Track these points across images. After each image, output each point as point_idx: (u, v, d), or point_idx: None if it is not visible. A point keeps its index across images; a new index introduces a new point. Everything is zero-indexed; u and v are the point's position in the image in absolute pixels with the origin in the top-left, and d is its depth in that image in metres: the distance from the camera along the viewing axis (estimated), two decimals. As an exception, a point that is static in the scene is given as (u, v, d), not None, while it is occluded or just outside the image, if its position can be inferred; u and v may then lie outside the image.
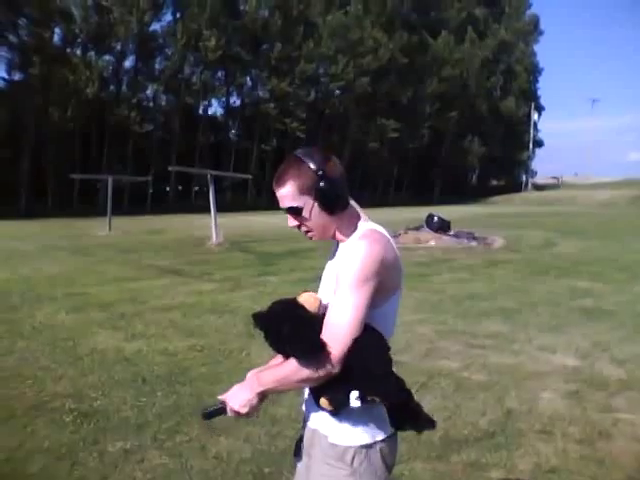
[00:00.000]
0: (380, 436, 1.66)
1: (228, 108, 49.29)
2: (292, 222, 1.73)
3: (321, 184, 1.64)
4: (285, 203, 1.70)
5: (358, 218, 1.74)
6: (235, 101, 49.50)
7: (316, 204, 1.66)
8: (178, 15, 43.07)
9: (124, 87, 42.48)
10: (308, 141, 47.61)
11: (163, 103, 44.60)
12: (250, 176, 32.46)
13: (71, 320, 7.00)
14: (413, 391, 4.55)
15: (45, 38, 35.85)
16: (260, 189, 46.71)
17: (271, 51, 44.78)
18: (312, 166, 1.65)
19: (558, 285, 9.73)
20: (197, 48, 40.95)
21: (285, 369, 1.59)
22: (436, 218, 17.34)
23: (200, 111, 46.99)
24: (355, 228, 1.72)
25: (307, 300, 1.65)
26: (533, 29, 73.10)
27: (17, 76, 37.30)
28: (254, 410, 1.67)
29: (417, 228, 17.71)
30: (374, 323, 1.61)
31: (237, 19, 43.02)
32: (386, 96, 50.93)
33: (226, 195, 42.39)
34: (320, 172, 1.64)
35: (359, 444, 1.64)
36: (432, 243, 15.87)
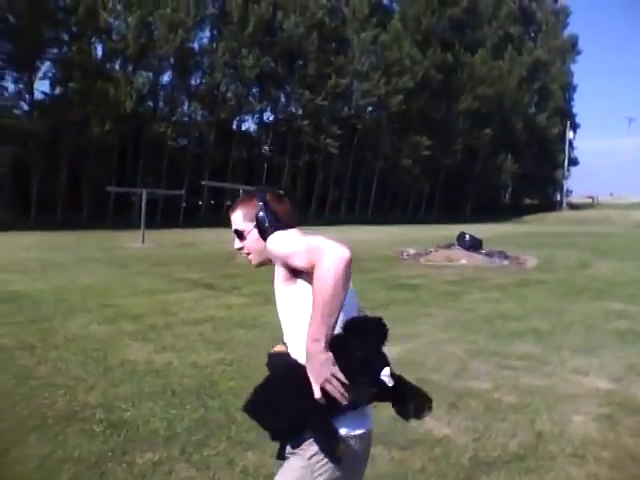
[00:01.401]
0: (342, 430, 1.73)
1: (262, 123, 49.79)
2: (237, 244, 2.04)
3: (260, 213, 1.90)
4: (233, 226, 2.02)
5: None
6: (269, 116, 50.06)
7: (254, 230, 1.93)
8: (215, 32, 43.85)
9: (161, 102, 43.25)
10: (341, 157, 47.75)
11: (198, 118, 45.27)
12: (281, 192, 32.61)
13: (103, 331, 7.11)
14: (442, 412, 4.53)
15: (87, 53, 36.78)
16: (291, 204, 46.86)
17: (306, 67, 45.22)
18: (257, 198, 1.94)
19: (592, 307, 9.54)
20: (234, 65, 41.52)
21: (317, 304, 1.60)
22: (467, 236, 17.21)
23: (234, 126, 47.56)
24: None
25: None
26: (571, 48, 72.54)
27: (57, 90, 38.32)
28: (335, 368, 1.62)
29: (448, 246, 17.60)
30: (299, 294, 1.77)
31: (274, 36, 43.58)
32: (419, 113, 50.89)
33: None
34: (261, 203, 1.91)
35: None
36: (463, 262, 15.73)
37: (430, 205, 58.68)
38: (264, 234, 1.88)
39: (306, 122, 45.05)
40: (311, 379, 1.63)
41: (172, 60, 40.65)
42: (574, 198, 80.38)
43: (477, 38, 59.58)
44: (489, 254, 16.76)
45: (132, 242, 21.17)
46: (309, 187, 48.24)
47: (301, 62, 46.02)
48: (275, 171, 47.16)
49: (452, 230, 21.58)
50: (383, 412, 4.49)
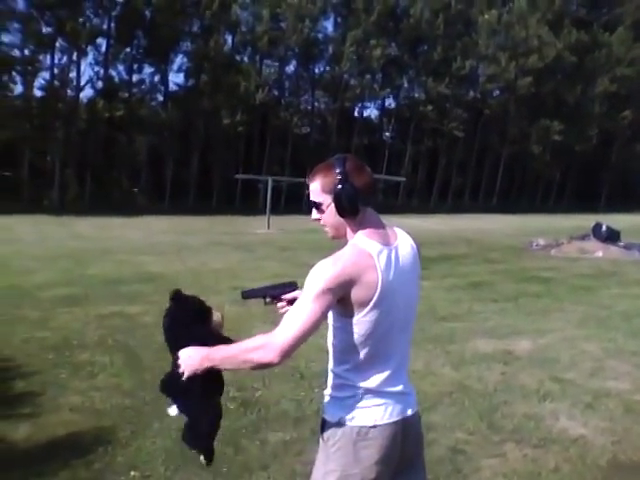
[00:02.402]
0: (353, 421, 1.83)
1: (383, 109, 49.51)
2: (314, 215, 1.94)
3: (338, 187, 1.81)
4: (311, 197, 1.92)
5: (364, 228, 1.85)
6: (390, 103, 49.66)
7: (332, 204, 1.84)
8: (340, 20, 44.06)
9: (286, 91, 44.20)
10: (465, 142, 46.51)
11: (322, 106, 45.82)
12: (404, 179, 32.40)
13: (234, 312, 7.38)
14: (577, 411, 4.33)
15: (217, 45, 38.30)
16: (411, 191, 46.42)
17: (430, 52, 44.35)
18: (338, 170, 1.82)
19: None
20: (359, 53, 41.52)
21: (234, 349, 1.83)
22: (604, 227, 16.23)
23: (356, 113, 47.70)
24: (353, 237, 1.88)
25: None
26: None
27: (190, 81, 40.26)
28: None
29: (582, 237, 16.70)
30: (348, 330, 1.81)
31: (398, 22, 43.11)
32: (551, 96, 48.32)
33: (378, 197, 42.69)
34: (341, 177, 1.81)
35: (332, 421, 1.88)
36: (599, 254, 14.86)
37: (561, 194, 55.66)
38: (342, 211, 1.83)
39: (430, 107, 44.23)
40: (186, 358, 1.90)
41: (297, 49, 41.34)
42: None
43: (616, 16, 55.43)
44: (627, 247, 15.70)
45: (258, 227, 21.92)
46: (431, 173, 47.41)
47: (425, 47, 45.16)
48: (396, 157, 46.80)
49: (585, 220, 20.50)
50: (516, 409, 4.38)
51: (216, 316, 2.14)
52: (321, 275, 1.73)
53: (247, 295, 2.19)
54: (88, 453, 3.53)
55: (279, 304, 2.16)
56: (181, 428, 3.81)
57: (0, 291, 8.54)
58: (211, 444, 2.08)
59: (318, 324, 1.75)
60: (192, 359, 1.88)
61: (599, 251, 15.08)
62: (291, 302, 2.11)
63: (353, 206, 1.81)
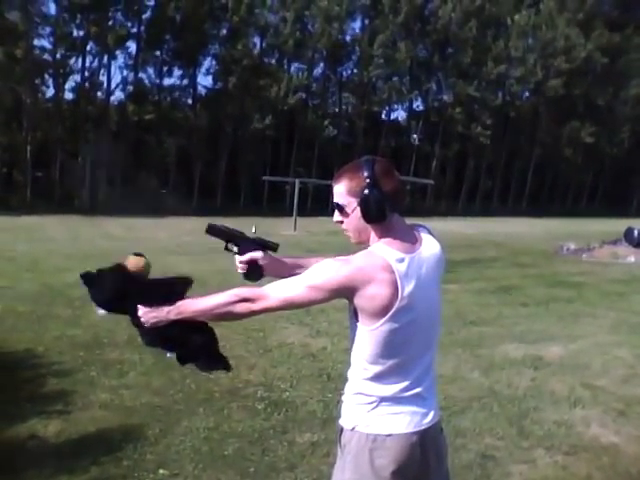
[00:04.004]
0: (368, 429, 1.78)
1: (411, 112, 49.27)
2: (336, 217, 1.87)
3: (365, 192, 1.74)
4: (335, 198, 1.84)
5: (388, 234, 1.79)
6: (418, 105, 49.40)
7: (358, 208, 1.77)
8: (367, 22, 43.98)
9: (313, 94, 44.24)
10: (493, 145, 46.04)
11: (349, 109, 45.78)
12: (432, 181, 32.21)
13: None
14: (609, 419, 4.25)
15: (245, 49, 38.56)
16: (439, 194, 46.10)
17: (460, 55, 43.99)
18: (365, 173, 1.75)
19: None
20: (386, 55, 41.39)
21: (210, 302, 1.83)
22: (636, 231, 15.95)
23: (383, 115, 47.55)
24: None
25: (135, 262, 2.07)
26: None
27: (218, 84, 40.58)
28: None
29: (614, 242, 16.44)
30: (365, 338, 1.76)
31: (426, 24, 42.85)
32: (581, 98, 47.59)
33: (406, 200, 42.41)
34: (369, 180, 1.74)
35: (347, 427, 1.83)
36: (631, 259, 14.60)
37: (592, 197, 54.78)
38: (368, 217, 1.76)
39: (458, 110, 43.89)
40: (149, 314, 1.94)
41: (324, 52, 41.35)
42: None
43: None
44: (660, 252, 15.42)
45: (285, 229, 21.95)
46: (459, 177, 47.04)
47: (455, 49, 44.75)
48: (424, 160, 46.53)
49: (617, 225, 20.16)
50: (546, 415, 4.31)
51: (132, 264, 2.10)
52: (325, 271, 1.71)
53: (212, 230, 2.08)
54: (117, 450, 3.57)
55: (238, 259, 2.04)
56: (209, 428, 3.90)
57: (33, 289, 8.68)
58: (214, 366, 2.27)
59: (296, 307, 1.82)
60: (155, 314, 1.93)
61: (631, 256, 14.83)
62: (249, 263, 2.03)
63: (380, 212, 1.75)
